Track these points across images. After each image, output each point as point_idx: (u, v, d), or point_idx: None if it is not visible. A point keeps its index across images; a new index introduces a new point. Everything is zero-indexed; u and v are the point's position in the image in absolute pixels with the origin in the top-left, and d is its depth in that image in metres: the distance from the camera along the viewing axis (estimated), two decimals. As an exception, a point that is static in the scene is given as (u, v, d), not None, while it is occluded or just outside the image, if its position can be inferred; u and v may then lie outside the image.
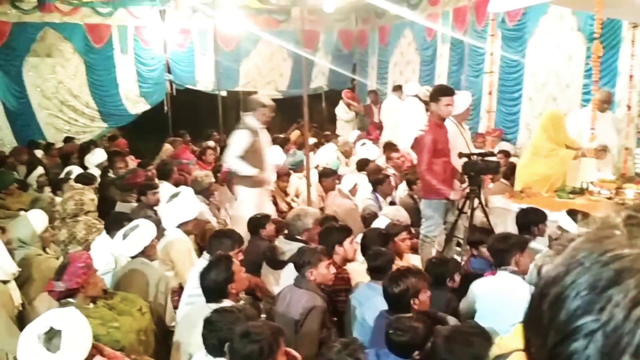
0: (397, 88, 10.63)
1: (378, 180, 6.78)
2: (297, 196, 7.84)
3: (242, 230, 4.99)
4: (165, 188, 6.20)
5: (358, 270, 4.26)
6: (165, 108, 12.66)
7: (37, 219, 4.43)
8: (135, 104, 12.72)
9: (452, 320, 3.45)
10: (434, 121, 5.47)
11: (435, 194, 5.44)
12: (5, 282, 3.67)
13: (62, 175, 7.71)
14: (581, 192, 5.76)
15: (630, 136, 6.89)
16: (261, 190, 6.10)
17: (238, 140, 6.02)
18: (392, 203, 6.69)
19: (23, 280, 4.04)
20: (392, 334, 2.89)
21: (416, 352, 2.87)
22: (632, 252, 0.57)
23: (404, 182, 7.18)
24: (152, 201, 5.77)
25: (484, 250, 4.41)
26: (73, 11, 11.82)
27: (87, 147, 9.72)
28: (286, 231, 5.08)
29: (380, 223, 5.01)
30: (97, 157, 8.51)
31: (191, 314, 3.53)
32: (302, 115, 7.25)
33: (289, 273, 4.15)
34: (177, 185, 6.52)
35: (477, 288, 3.83)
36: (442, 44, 11.06)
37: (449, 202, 5.55)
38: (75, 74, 12.20)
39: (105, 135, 12.28)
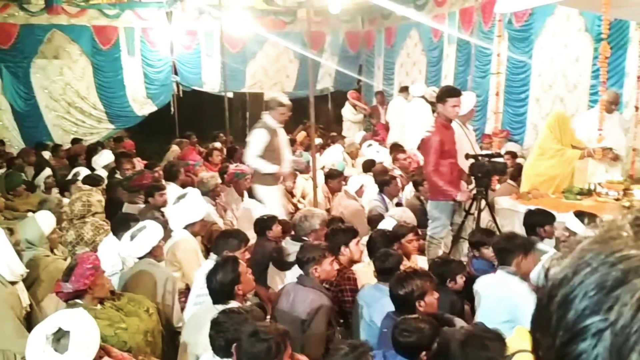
0: (404, 89, 10.63)
1: (384, 182, 6.77)
2: (303, 197, 7.85)
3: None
4: (172, 189, 6.21)
5: (364, 271, 4.26)
6: (172, 109, 12.71)
7: (44, 220, 4.45)
8: (142, 106, 12.77)
9: (459, 322, 3.45)
10: (440, 122, 5.47)
11: (442, 195, 5.44)
12: (13, 283, 3.69)
13: (69, 177, 7.75)
14: (589, 193, 5.73)
15: (638, 137, 6.84)
16: (280, 188, 6.17)
17: (256, 140, 6.11)
18: (399, 204, 6.69)
19: (31, 282, 4.05)
20: (399, 335, 2.89)
21: (423, 353, 2.87)
22: (639, 253, 0.58)
23: (411, 184, 7.17)
24: (160, 202, 5.79)
25: (485, 251, 4.40)
26: (80, 13, 11.88)
27: (94, 149, 9.77)
28: (293, 232, 5.09)
29: (386, 224, 5.00)
30: (104, 158, 8.55)
31: (198, 315, 3.54)
32: (308, 116, 7.25)
33: (295, 274, 4.15)
34: (183, 186, 6.53)
35: (477, 286, 3.85)
36: (448, 44, 11.04)
37: (456, 203, 5.54)
38: (82, 76, 12.26)
39: (112, 136, 12.33)
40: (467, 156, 5.43)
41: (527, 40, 8.93)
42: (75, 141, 11.31)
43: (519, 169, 6.75)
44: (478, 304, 3.81)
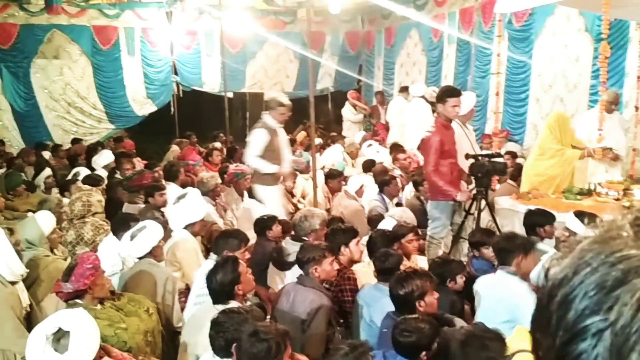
0: (404, 89, 10.63)
1: (384, 182, 6.77)
2: (303, 197, 7.85)
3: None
4: (172, 189, 6.21)
5: (364, 271, 4.26)
6: (172, 109, 12.71)
7: (44, 221, 4.44)
8: (142, 106, 12.78)
9: (459, 322, 3.45)
10: (440, 122, 5.47)
11: (442, 195, 5.44)
12: (13, 283, 3.69)
13: (69, 177, 7.74)
14: (589, 193, 5.73)
15: (638, 137, 6.85)
16: (280, 187, 6.18)
17: (256, 140, 6.12)
18: (399, 204, 6.69)
19: (31, 282, 4.05)
20: (399, 335, 2.89)
21: (423, 353, 2.87)
22: (639, 252, 0.58)
23: (411, 184, 7.17)
24: (160, 202, 5.79)
25: (485, 251, 4.40)
26: (80, 13, 11.88)
27: (94, 149, 9.77)
28: (293, 232, 5.09)
29: (386, 224, 5.00)
30: (104, 158, 8.55)
31: (198, 315, 3.54)
32: (308, 116, 7.26)
33: (296, 274, 4.15)
34: (183, 186, 6.54)
35: (477, 286, 3.85)
36: (448, 44, 11.04)
37: (456, 203, 5.54)
38: (82, 76, 12.27)
39: (112, 136, 12.33)
40: (467, 156, 5.43)
41: (527, 40, 8.93)
42: (75, 141, 11.31)
43: (519, 169, 6.75)
44: (478, 304, 3.81)
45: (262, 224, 5.17)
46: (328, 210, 6.67)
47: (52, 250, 4.48)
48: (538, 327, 0.65)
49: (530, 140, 8.74)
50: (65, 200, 6.05)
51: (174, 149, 10.31)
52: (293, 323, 3.50)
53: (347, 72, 13.79)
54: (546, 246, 4.35)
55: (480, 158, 5.41)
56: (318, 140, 9.82)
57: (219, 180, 6.72)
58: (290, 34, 13.04)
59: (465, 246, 5.43)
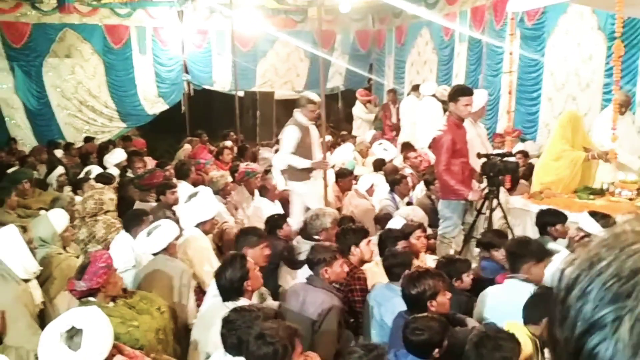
0: (415, 88, 10.59)
1: (395, 181, 6.75)
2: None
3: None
4: (183, 188, 6.23)
5: (373, 270, 4.25)
6: (183, 108, 12.74)
7: (57, 219, 4.48)
8: (153, 104, 12.83)
9: (471, 322, 3.43)
10: (452, 121, 5.44)
11: (454, 194, 5.41)
12: (26, 280, 3.72)
13: (82, 175, 7.78)
14: (601, 193, 5.69)
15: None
16: (316, 182, 6.20)
17: (288, 137, 6.14)
18: (410, 203, 6.66)
19: (44, 279, 4.08)
20: (410, 334, 2.88)
21: (436, 351, 2.86)
22: None
23: (422, 182, 7.14)
24: (171, 201, 5.81)
25: (496, 253, 4.36)
26: (92, 12, 11.95)
27: (105, 147, 9.81)
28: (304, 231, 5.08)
29: (395, 223, 4.99)
30: (115, 156, 8.58)
31: (208, 313, 3.55)
32: (318, 115, 7.24)
33: (306, 272, 4.15)
34: (195, 185, 6.55)
35: (486, 297, 3.75)
36: (459, 43, 10.99)
37: (467, 202, 5.52)
38: (94, 75, 12.34)
39: (123, 135, 12.39)
40: (479, 155, 5.40)
41: (540, 39, 8.87)
42: (88, 139, 11.37)
43: (530, 168, 6.71)
44: (480, 313, 3.73)
45: (273, 223, 5.17)
46: (339, 209, 6.65)
47: (64, 248, 4.51)
48: (555, 322, 0.67)
49: (542, 139, 8.68)
50: (78, 199, 6.08)
51: (185, 147, 10.34)
52: (303, 324, 3.49)
53: (357, 70, 13.78)
54: (558, 246, 4.32)
55: (492, 157, 5.38)
56: (328, 139, 9.80)
57: (229, 179, 6.73)
58: (301, 32, 13.05)
59: (473, 245, 5.41)
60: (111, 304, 3.32)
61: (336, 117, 14.11)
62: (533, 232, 5.07)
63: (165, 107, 12.87)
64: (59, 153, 10.10)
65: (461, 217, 5.59)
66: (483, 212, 5.35)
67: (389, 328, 3.45)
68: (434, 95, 9.45)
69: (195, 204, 4.92)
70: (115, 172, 7.76)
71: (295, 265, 4.70)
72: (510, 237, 4.77)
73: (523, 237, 4.23)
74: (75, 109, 12.29)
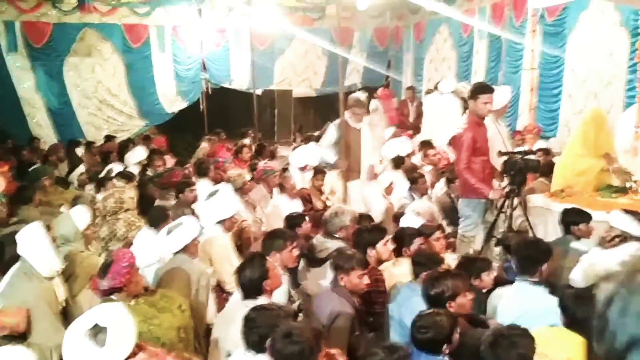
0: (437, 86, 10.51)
1: (413, 179, 6.72)
2: (332, 194, 7.82)
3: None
4: (203, 185, 6.26)
5: (390, 270, 4.23)
6: (201, 106, 12.80)
7: (80, 217, 4.51)
8: (172, 103, 12.90)
9: (493, 323, 3.40)
10: (473, 119, 5.40)
11: (474, 193, 5.38)
12: (49, 279, 3.75)
13: (103, 173, 7.84)
14: (624, 191, 5.61)
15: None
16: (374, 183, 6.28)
17: (329, 134, 6.41)
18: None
19: (66, 277, 4.12)
20: (417, 332, 2.87)
21: (445, 347, 2.84)
22: None
23: (442, 180, 7.09)
24: (190, 199, 5.84)
25: None
26: (111, 11, 12.04)
27: (125, 146, 9.89)
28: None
29: (408, 219, 4.96)
30: (136, 155, 8.64)
31: (228, 311, 3.57)
32: (336, 112, 7.24)
33: (325, 271, 4.15)
34: (215, 183, 6.58)
35: (494, 298, 3.72)
36: (479, 40, 10.90)
37: (488, 201, 5.47)
38: (114, 74, 12.43)
39: (142, 133, 12.47)
40: (500, 153, 5.36)
41: (560, 35, 8.76)
42: (108, 138, 11.47)
43: (550, 166, 6.62)
44: (490, 315, 3.70)
45: (292, 221, 5.17)
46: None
47: (86, 246, 4.56)
48: (597, 336, 0.66)
49: (562, 136, 8.58)
50: (99, 197, 6.14)
51: (204, 145, 10.38)
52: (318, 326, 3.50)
53: (375, 68, 13.71)
54: (582, 245, 4.26)
55: (513, 155, 5.33)
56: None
57: (247, 178, 6.74)
58: (319, 30, 13.01)
59: (494, 244, 5.36)
60: (133, 302, 3.34)
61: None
62: (554, 231, 5.02)
63: (184, 105, 12.93)
64: (79, 152, 10.19)
65: (481, 216, 5.55)
66: (504, 210, 5.30)
67: (407, 328, 3.43)
68: (453, 92, 9.38)
69: (216, 201, 4.95)
70: (135, 170, 7.82)
71: (315, 263, 4.69)
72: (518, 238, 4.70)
73: (530, 239, 4.18)
74: (96, 108, 12.40)
